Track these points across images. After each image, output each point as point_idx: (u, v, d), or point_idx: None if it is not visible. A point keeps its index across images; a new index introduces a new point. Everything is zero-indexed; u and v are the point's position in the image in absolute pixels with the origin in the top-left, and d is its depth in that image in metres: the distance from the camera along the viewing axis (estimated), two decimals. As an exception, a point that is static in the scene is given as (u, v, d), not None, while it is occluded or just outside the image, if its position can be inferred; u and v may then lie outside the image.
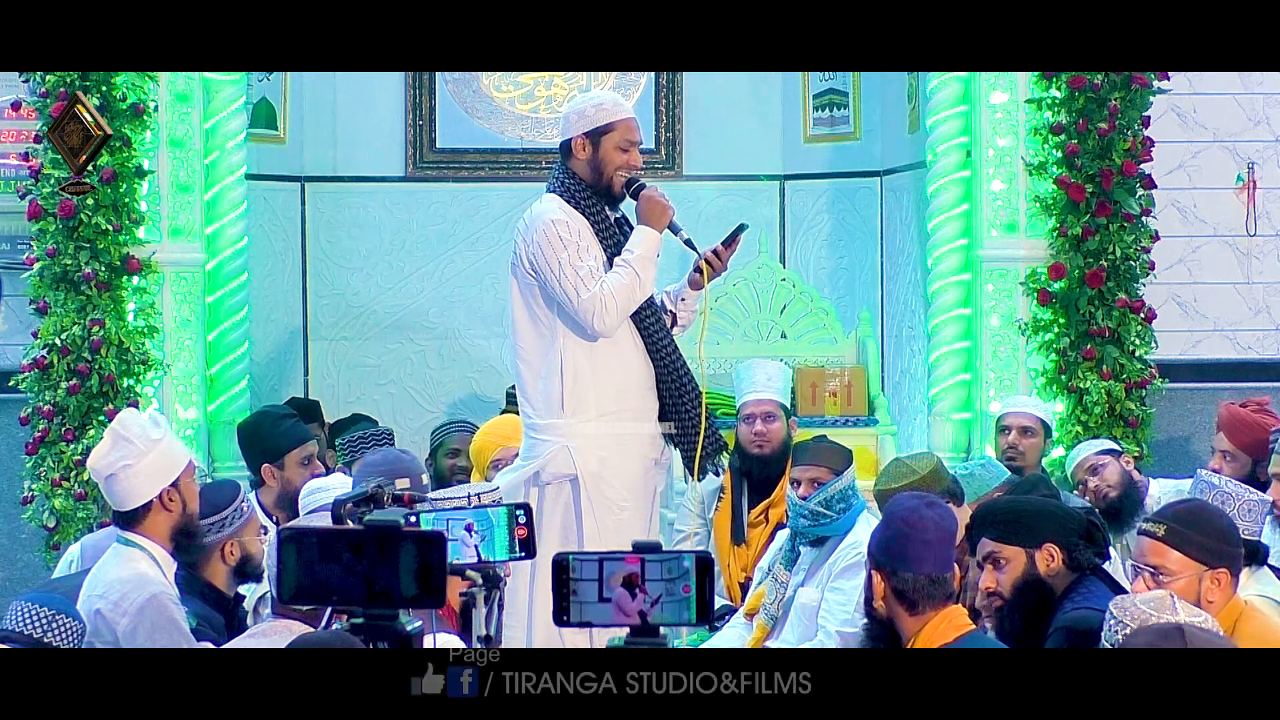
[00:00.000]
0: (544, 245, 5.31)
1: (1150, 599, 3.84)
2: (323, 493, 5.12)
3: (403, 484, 4.69)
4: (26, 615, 4.17)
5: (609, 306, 5.26)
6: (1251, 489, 5.12)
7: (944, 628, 4.12)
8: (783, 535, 5.87)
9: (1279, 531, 5.64)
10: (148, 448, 4.60)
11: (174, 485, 4.64)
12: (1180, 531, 4.24)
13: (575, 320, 5.33)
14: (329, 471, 6.27)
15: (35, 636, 4.14)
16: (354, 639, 3.23)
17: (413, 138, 8.68)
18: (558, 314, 5.36)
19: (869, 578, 4.23)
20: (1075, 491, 6.44)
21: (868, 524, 5.60)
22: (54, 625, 4.17)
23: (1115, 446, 6.61)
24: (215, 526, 4.77)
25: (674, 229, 5.41)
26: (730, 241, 5.45)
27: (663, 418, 5.45)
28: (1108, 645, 3.80)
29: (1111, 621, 3.81)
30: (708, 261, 5.42)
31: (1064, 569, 4.38)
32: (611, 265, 5.34)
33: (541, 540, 5.15)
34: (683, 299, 5.59)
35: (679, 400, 5.43)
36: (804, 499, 5.61)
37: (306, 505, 5.17)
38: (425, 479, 5.19)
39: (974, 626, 4.21)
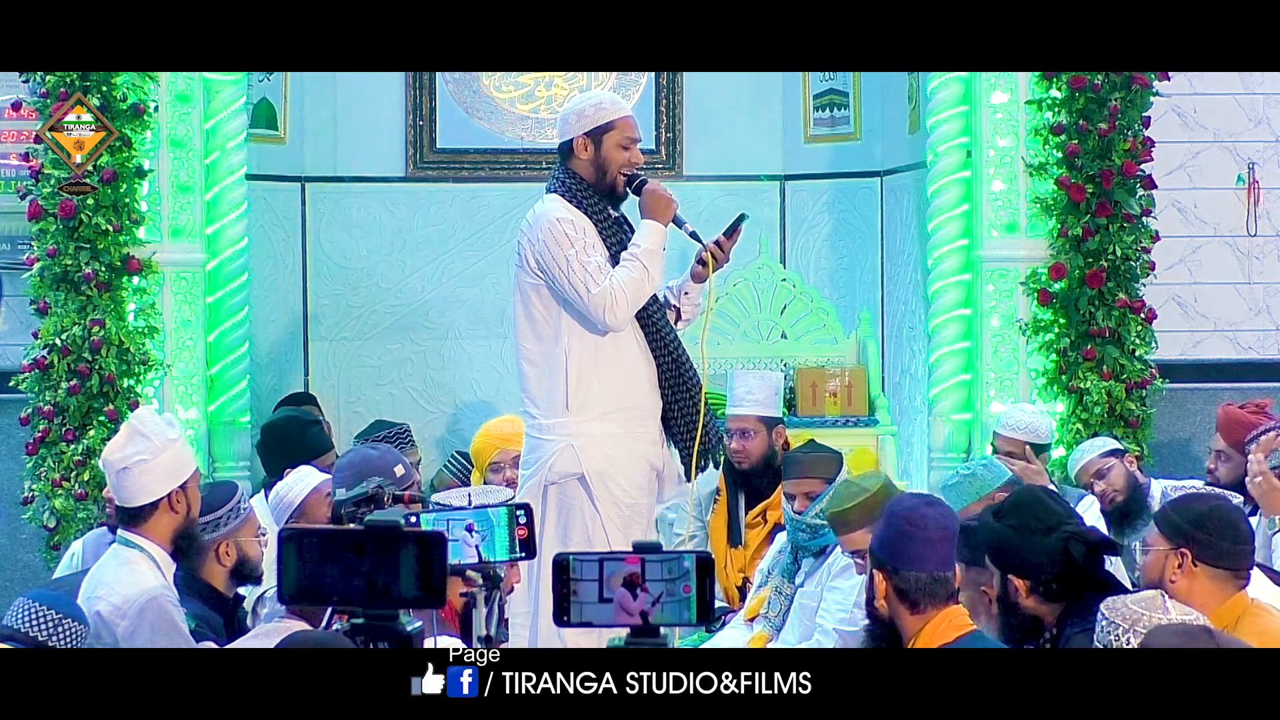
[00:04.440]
0: (550, 244, 5.31)
1: (1141, 599, 3.85)
2: (282, 499, 5.16)
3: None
4: (31, 615, 4.14)
5: (620, 300, 5.26)
6: (1229, 493, 5.12)
7: (944, 627, 4.11)
8: (781, 538, 5.87)
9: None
10: (163, 446, 4.61)
11: (182, 488, 4.65)
12: (1164, 509, 4.37)
13: (581, 318, 5.33)
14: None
15: (40, 639, 4.11)
16: (344, 640, 3.23)
17: (413, 138, 8.68)
18: (561, 313, 5.36)
19: (870, 577, 4.22)
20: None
21: (866, 524, 5.61)
22: (60, 629, 4.13)
23: (1117, 445, 6.60)
24: (210, 526, 4.77)
25: (678, 222, 5.42)
26: (731, 232, 5.47)
27: (664, 416, 5.46)
28: (1100, 646, 3.80)
29: (1104, 622, 3.82)
30: (710, 253, 5.43)
31: (1041, 601, 4.39)
32: (616, 263, 5.34)
33: (547, 539, 5.17)
34: (686, 293, 5.60)
35: (679, 397, 5.43)
36: (799, 513, 5.61)
37: (282, 507, 5.19)
38: (400, 470, 5.20)
39: (974, 626, 4.20)
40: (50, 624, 4.13)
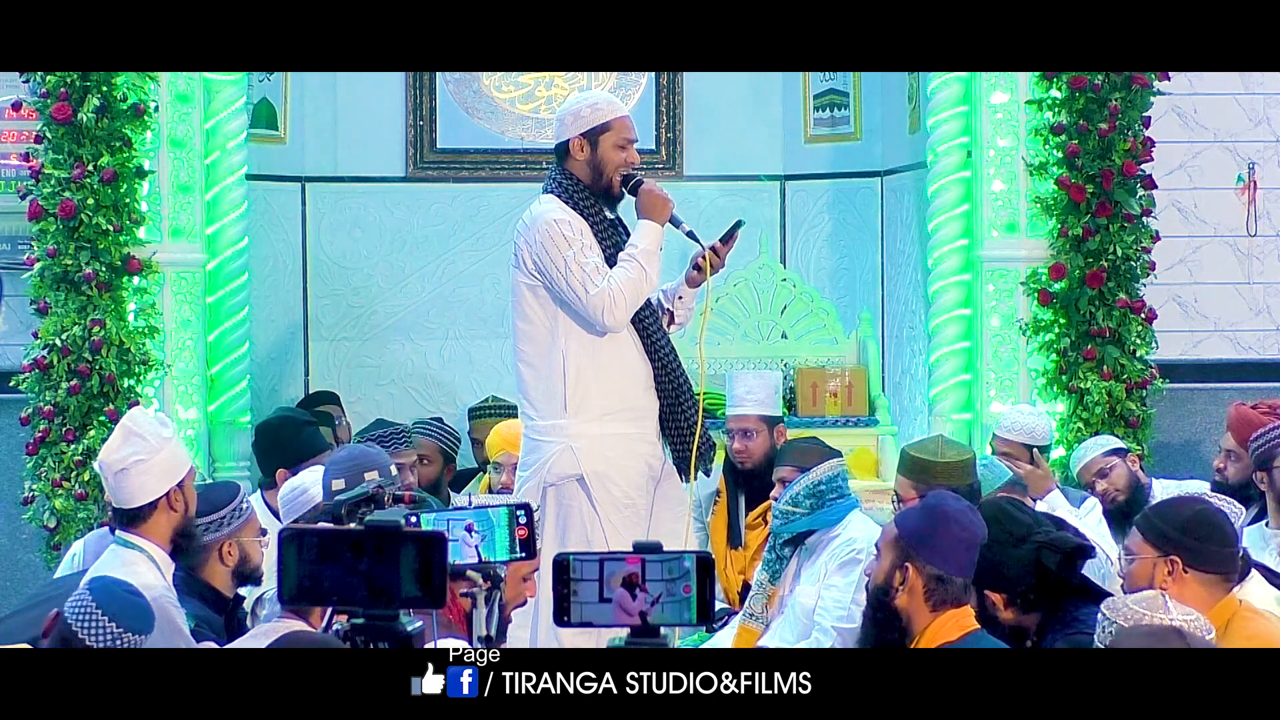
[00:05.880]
0: (548, 244, 5.31)
1: (1141, 599, 3.85)
2: (303, 493, 5.14)
3: (371, 476, 4.71)
4: (92, 623, 3.91)
5: (618, 301, 5.26)
6: (1227, 499, 5.11)
7: (949, 626, 4.07)
8: (777, 538, 5.90)
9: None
10: (159, 445, 4.60)
11: (179, 486, 4.64)
12: (1147, 516, 4.35)
13: (579, 319, 5.33)
14: None
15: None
16: (337, 642, 3.23)
17: (413, 138, 8.68)
18: (558, 314, 5.36)
19: (896, 568, 4.09)
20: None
21: (864, 522, 5.61)
22: (119, 643, 3.97)
23: (1119, 444, 6.61)
24: (212, 526, 4.76)
25: (675, 222, 5.42)
26: (728, 238, 5.48)
27: (659, 417, 5.46)
28: (1100, 646, 3.80)
29: (1104, 622, 3.82)
30: (706, 259, 5.44)
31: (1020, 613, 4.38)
32: (613, 264, 5.34)
33: (546, 541, 5.17)
34: (680, 297, 5.60)
35: (674, 400, 5.44)
36: (775, 500, 5.65)
37: (290, 509, 5.17)
38: (394, 470, 5.21)
39: (977, 626, 4.18)
40: (109, 636, 3.92)
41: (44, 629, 3.96)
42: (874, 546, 4.29)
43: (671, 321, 5.62)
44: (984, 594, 4.33)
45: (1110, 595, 4.40)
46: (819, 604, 5.49)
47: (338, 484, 4.75)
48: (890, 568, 4.11)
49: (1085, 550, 4.45)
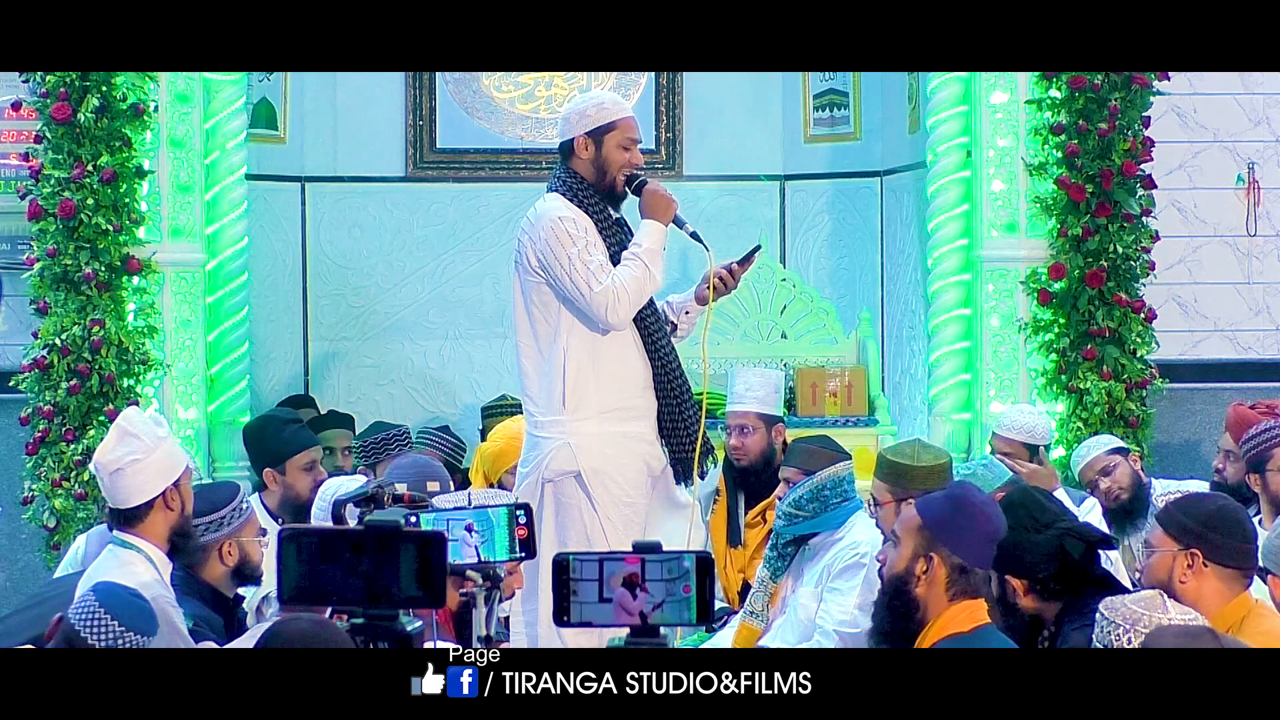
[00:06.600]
0: (552, 242, 5.31)
1: (1140, 598, 3.86)
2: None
3: (433, 487, 4.70)
4: (94, 622, 3.86)
5: (622, 299, 5.27)
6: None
7: (962, 617, 4.02)
8: (777, 538, 5.90)
9: None
10: (154, 444, 4.60)
11: (175, 485, 4.64)
12: (1168, 509, 4.33)
13: (581, 316, 5.33)
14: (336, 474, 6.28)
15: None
16: (332, 624, 3.23)
17: (413, 138, 8.68)
18: (561, 312, 5.36)
19: (919, 556, 4.05)
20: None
21: (867, 525, 5.60)
22: (121, 642, 3.94)
23: (1121, 444, 6.62)
24: (212, 525, 4.76)
25: (678, 222, 5.43)
26: (745, 261, 5.49)
27: (657, 418, 5.46)
28: (1100, 645, 3.81)
29: (1103, 622, 3.82)
30: (720, 279, 5.44)
31: (1040, 600, 4.39)
32: (617, 263, 5.34)
33: (545, 537, 5.17)
34: (686, 312, 5.61)
35: (674, 403, 5.44)
36: (780, 499, 5.66)
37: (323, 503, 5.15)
38: (452, 486, 5.21)
39: (989, 620, 4.15)
40: (111, 636, 3.86)
41: (48, 633, 3.96)
42: (891, 533, 4.26)
43: (673, 332, 5.61)
44: (1005, 580, 4.33)
45: (1129, 590, 4.42)
46: (821, 607, 5.49)
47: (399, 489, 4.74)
48: (912, 556, 4.08)
49: (1108, 542, 4.47)
